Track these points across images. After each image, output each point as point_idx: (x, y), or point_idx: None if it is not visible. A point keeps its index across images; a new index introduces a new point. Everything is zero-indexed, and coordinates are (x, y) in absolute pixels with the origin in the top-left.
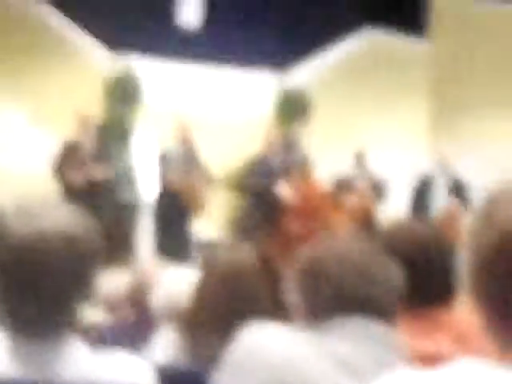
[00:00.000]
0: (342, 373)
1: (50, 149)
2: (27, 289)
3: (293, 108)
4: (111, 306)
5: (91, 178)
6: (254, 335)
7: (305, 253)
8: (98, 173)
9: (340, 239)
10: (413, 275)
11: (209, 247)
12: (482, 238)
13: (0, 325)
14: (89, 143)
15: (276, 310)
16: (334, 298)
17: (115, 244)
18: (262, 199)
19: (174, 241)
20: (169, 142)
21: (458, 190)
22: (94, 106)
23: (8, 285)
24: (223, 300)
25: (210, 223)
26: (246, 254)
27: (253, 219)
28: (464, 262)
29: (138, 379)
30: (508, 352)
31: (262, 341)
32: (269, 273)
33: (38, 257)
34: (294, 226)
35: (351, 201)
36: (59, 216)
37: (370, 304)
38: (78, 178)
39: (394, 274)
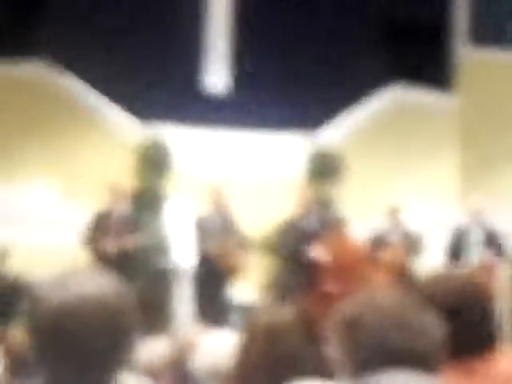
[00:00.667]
0: None
1: (84, 221)
2: (65, 356)
3: (325, 168)
4: (152, 373)
5: (123, 247)
6: None
7: (344, 307)
8: (130, 241)
9: (378, 292)
10: (453, 325)
11: (247, 310)
12: None
13: None
14: (121, 212)
15: (318, 367)
16: (374, 351)
17: (153, 310)
18: (297, 260)
19: (212, 306)
20: (203, 208)
21: (492, 241)
22: (125, 175)
23: (46, 352)
24: (266, 360)
25: (248, 286)
26: (286, 314)
27: (290, 280)
28: (502, 311)
29: None
30: None
31: None
32: (309, 331)
33: (75, 323)
34: (330, 284)
35: (386, 257)
36: (95, 283)
37: (411, 356)
38: (109, 246)
39: (433, 325)
